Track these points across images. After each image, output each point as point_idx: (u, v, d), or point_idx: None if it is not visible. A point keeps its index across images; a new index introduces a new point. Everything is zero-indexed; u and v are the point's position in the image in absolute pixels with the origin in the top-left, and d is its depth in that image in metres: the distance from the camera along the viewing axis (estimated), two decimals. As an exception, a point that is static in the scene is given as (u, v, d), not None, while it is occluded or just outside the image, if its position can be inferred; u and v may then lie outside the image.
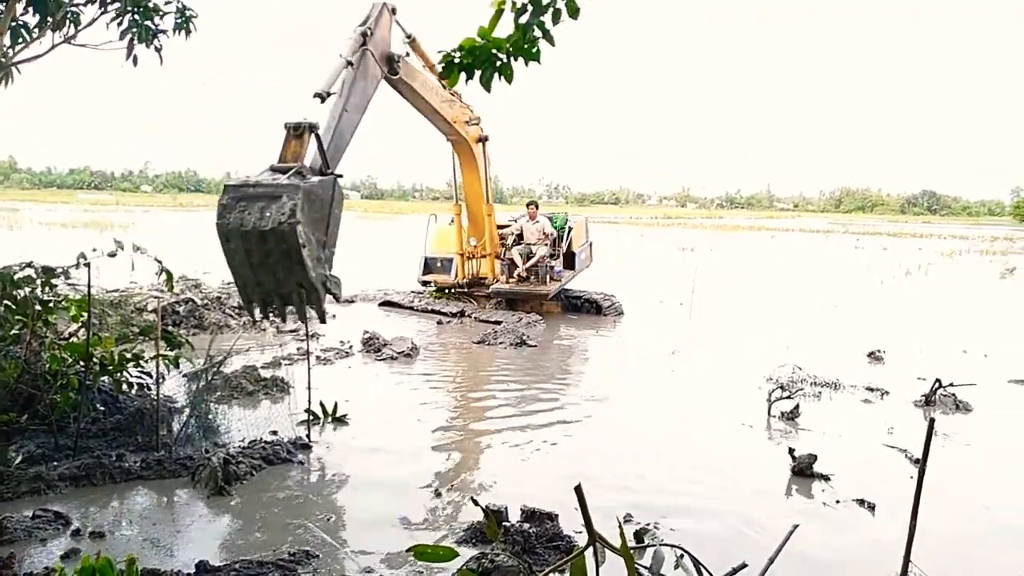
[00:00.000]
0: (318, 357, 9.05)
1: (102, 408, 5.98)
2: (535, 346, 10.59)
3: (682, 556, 2.89)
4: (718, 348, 10.88)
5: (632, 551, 2.40)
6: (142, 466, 5.24)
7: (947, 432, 7.01)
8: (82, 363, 5.54)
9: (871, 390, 8.43)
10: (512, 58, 3.43)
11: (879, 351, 10.38)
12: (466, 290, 13.78)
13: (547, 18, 3.32)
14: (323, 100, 6.48)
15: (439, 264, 13.93)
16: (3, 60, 6.33)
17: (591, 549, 2.35)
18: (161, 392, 5.77)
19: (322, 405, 6.67)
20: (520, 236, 13.73)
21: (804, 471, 5.70)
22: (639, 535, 4.52)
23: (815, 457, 5.74)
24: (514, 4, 3.31)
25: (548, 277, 13.21)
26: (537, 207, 14.11)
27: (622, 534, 2.41)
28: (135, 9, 6.65)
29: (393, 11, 8.22)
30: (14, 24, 6.37)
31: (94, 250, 5.37)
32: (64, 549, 4.11)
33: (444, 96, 10.70)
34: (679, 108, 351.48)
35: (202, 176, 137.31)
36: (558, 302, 13.72)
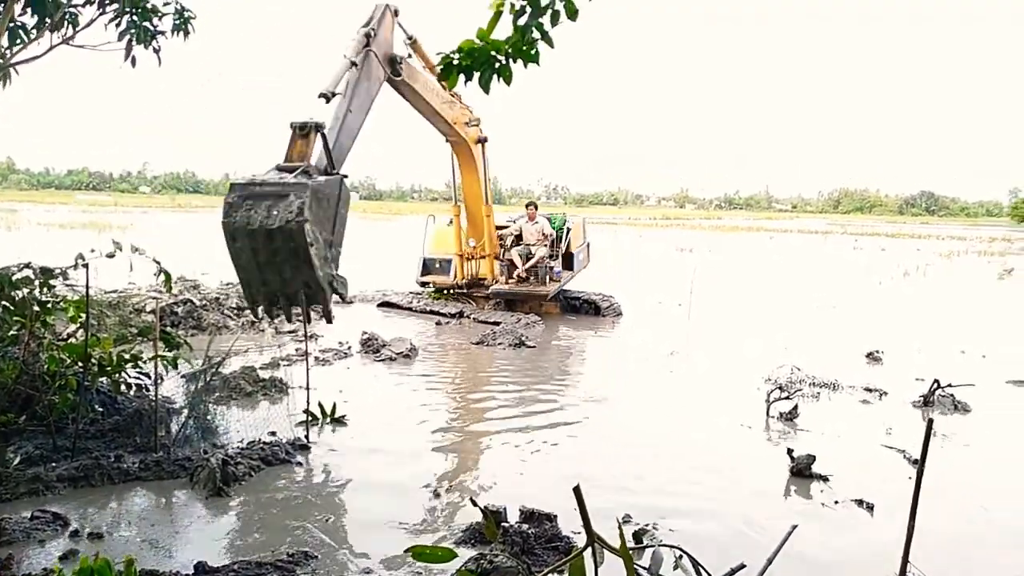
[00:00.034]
0: (317, 358, 9.05)
1: (100, 409, 5.97)
2: (534, 347, 10.59)
3: (681, 557, 2.89)
4: (717, 349, 10.89)
5: (631, 552, 2.40)
6: (140, 467, 5.24)
7: (945, 433, 7.02)
8: (80, 364, 5.53)
9: (869, 391, 8.43)
10: (511, 60, 3.43)
11: (877, 352, 10.39)
12: (465, 291, 13.78)
13: (546, 20, 3.33)
14: (328, 100, 6.49)
15: (438, 265, 13.93)
16: (1, 61, 6.33)
17: (590, 550, 2.35)
18: (159, 393, 5.77)
19: (321, 406, 6.67)
20: (519, 237, 13.73)
21: (803, 472, 5.70)
22: (638, 536, 4.52)
23: (814, 458, 5.74)
24: (512, 6, 3.31)
25: (547, 278, 13.21)
26: (536, 208, 14.11)
27: (621, 535, 2.41)
28: (133, 10, 6.65)
29: (395, 13, 8.24)
30: (12, 25, 6.36)
31: (92, 251, 5.36)
32: (62, 550, 4.11)
33: (445, 97, 10.71)
34: (678, 109, 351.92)
35: (200, 177, 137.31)
36: (557, 303, 13.73)
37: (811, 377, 8.61)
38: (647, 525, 4.67)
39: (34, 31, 6.52)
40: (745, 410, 7.47)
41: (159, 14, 6.81)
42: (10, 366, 5.46)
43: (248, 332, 10.79)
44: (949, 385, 7.95)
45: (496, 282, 13.47)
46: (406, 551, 2.27)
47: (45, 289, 5.57)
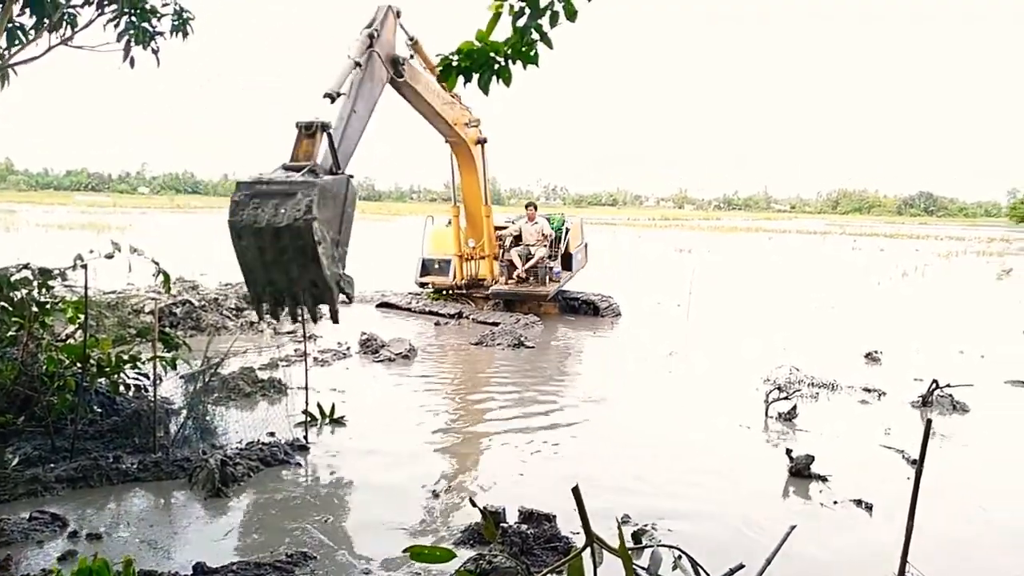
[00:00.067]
0: (316, 359, 9.05)
1: (99, 410, 5.96)
2: (533, 347, 10.59)
3: (680, 557, 2.89)
4: (715, 349, 10.89)
5: (630, 552, 2.40)
6: (139, 468, 5.23)
7: (944, 433, 7.03)
8: (79, 365, 5.53)
9: (868, 391, 8.44)
10: (510, 61, 3.43)
11: (876, 352, 10.40)
12: (464, 292, 13.79)
13: (545, 21, 3.32)
14: (333, 100, 6.50)
15: (437, 266, 13.93)
16: (0, 62, 6.33)
17: (589, 550, 2.35)
18: (158, 394, 5.77)
19: (320, 407, 6.66)
20: (518, 238, 13.74)
21: (801, 472, 5.70)
22: (637, 536, 4.52)
23: (812, 458, 5.74)
24: (511, 7, 3.31)
25: (547, 278, 13.22)
26: (536, 208, 14.12)
27: (620, 535, 2.41)
28: (132, 11, 6.65)
29: (398, 14, 8.25)
30: (10, 26, 6.36)
31: (91, 252, 5.36)
32: (61, 551, 4.10)
33: (445, 99, 10.73)
34: (677, 109, 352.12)
35: (199, 178, 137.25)
36: (555, 303, 13.73)
37: (810, 377, 8.61)
38: (646, 525, 4.67)
39: (32, 32, 6.52)
40: (744, 410, 7.48)
41: (158, 15, 6.82)
42: (9, 367, 5.46)
43: (247, 333, 10.78)
44: (948, 385, 7.96)
45: (496, 282, 13.47)
46: (404, 551, 2.27)
47: (44, 290, 5.57)
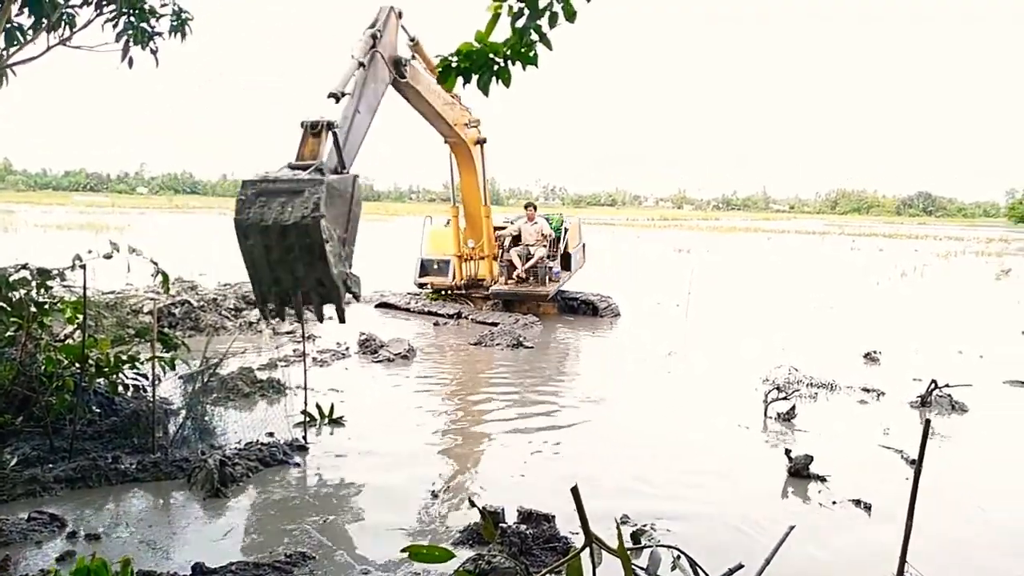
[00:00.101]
0: (314, 359, 9.04)
1: (98, 410, 5.96)
2: (532, 347, 10.59)
3: (679, 557, 2.89)
4: (714, 349, 10.90)
5: (629, 552, 2.40)
6: (138, 468, 5.23)
7: (943, 433, 7.03)
8: (78, 365, 5.53)
9: (867, 391, 8.44)
10: (509, 62, 3.43)
11: (875, 352, 10.41)
12: (464, 292, 13.78)
13: (544, 22, 3.32)
14: (338, 100, 6.50)
15: (436, 266, 13.93)
16: (-2, 62, 6.32)
17: (588, 550, 2.35)
18: (157, 394, 5.76)
19: (318, 407, 6.66)
20: (516, 238, 13.74)
21: (800, 472, 5.71)
22: (636, 536, 4.52)
23: (811, 458, 5.75)
24: (510, 8, 3.30)
25: (547, 278, 13.22)
26: (535, 208, 14.12)
27: (619, 535, 2.41)
28: (131, 11, 6.65)
29: (399, 15, 8.26)
30: (9, 26, 6.36)
31: (90, 252, 5.36)
32: (60, 551, 4.10)
33: (446, 99, 10.74)
34: (677, 109, 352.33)
35: (198, 178, 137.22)
36: (554, 303, 13.73)
37: (809, 377, 8.62)
38: (645, 525, 4.68)
39: (31, 32, 6.52)
40: (743, 410, 7.48)
41: (156, 15, 6.82)
42: (7, 367, 5.45)
43: (246, 333, 10.77)
44: (946, 385, 7.96)
45: (495, 283, 13.47)
46: (403, 551, 2.27)
47: (42, 290, 5.57)
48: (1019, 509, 5.37)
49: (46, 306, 5.57)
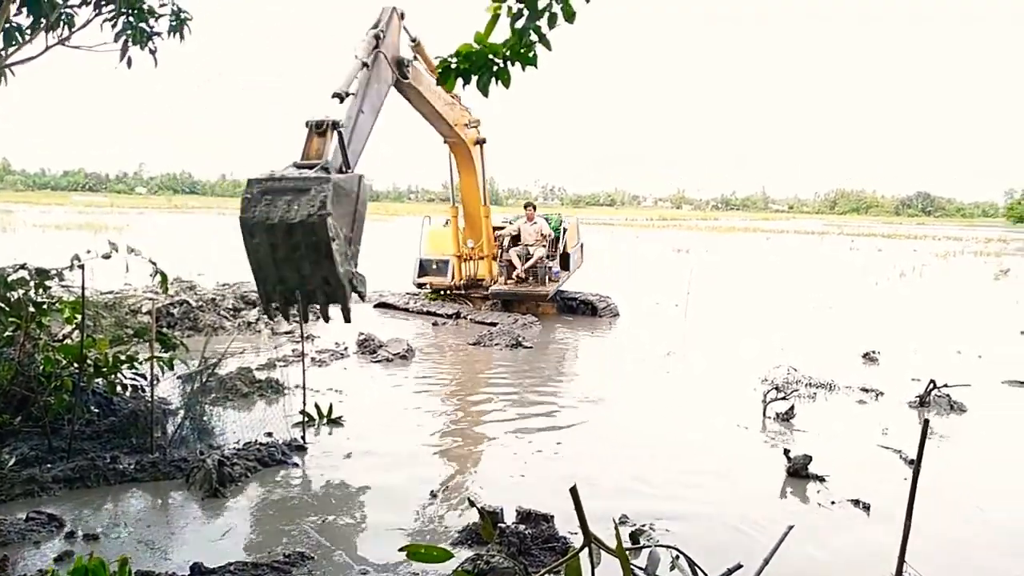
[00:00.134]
0: (313, 359, 9.04)
1: (96, 410, 5.96)
2: (531, 347, 10.59)
3: (677, 557, 2.89)
4: (713, 349, 10.90)
5: (627, 552, 2.40)
6: (136, 468, 5.22)
7: (942, 433, 7.04)
8: (76, 365, 5.52)
9: (866, 391, 8.45)
10: (509, 63, 3.43)
11: (874, 352, 10.41)
12: (463, 292, 13.78)
13: (543, 22, 3.32)
14: (342, 100, 6.51)
15: (434, 266, 13.92)
16: (-3, 61, 6.32)
17: (587, 550, 2.35)
18: (155, 394, 5.75)
19: (317, 407, 6.66)
20: (516, 237, 13.74)
21: (799, 472, 5.71)
22: (634, 536, 4.52)
23: (810, 458, 5.75)
24: (510, 9, 3.30)
25: (547, 278, 13.23)
26: (535, 208, 14.12)
27: (618, 535, 2.41)
28: (129, 11, 6.64)
29: (401, 16, 8.26)
30: (7, 26, 6.35)
31: (88, 252, 5.36)
32: (58, 551, 4.10)
33: (447, 99, 10.75)
34: (676, 110, 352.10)
35: (197, 178, 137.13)
36: (553, 304, 13.73)
37: (807, 377, 8.62)
38: (644, 525, 4.68)
39: (29, 32, 6.51)
40: (741, 410, 7.48)
41: (155, 15, 6.81)
42: (6, 367, 5.45)
43: (244, 333, 10.77)
44: (945, 385, 7.97)
45: (495, 282, 13.47)
46: (401, 550, 2.26)
47: (41, 290, 5.56)
48: (1018, 509, 5.38)
49: (44, 306, 5.57)
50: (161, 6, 6.85)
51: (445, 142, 12.23)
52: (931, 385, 7.95)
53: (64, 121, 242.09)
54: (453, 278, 13.64)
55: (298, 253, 5.14)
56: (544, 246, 13.42)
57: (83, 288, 5.43)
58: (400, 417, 7.04)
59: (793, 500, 5.40)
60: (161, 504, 4.88)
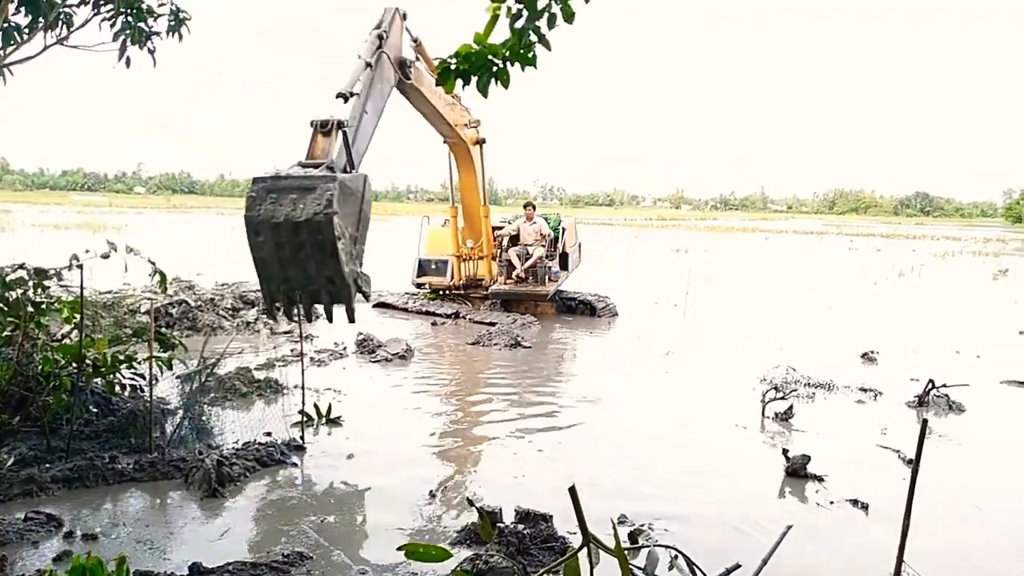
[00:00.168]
0: (312, 359, 9.03)
1: (95, 410, 5.95)
2: (530, 347, 10.59)
3: (676, 557, 2.89)
4: (712, 349, 10.90)
5: (626, 552, 2.40)
6: (135, 468, 5.22)
7: (940, 433, 7.04)
8: (75, 365, 5.52)
9: (864, 391, 8.45)
10: (508, 63, 3.43)
11: (872, 352, 10.42)
12: (462, 292, 13.78)
13: (542, 23, 3.32)
14: (346, 100, 6.50)
15: (433, 266, 13.91)
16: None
17: (585, 550, 2.35)
18: (154, 394, 5.75)
19: (316, 407, 6.66)
20: (514, 237, 13.74)
21: (798, 472, 5.71)
22: (633, 536, 4.52)
23: (809, 458, 5.75)
24: (509, 9, 3.30)
25: (547, 278, 13.23)
26: (534, 208, 14.12)
27: (616, 535, 2.41)
28: (128, 11, 6.63)
29: (404, 16, 8.27)
30: (6, 25, 6.34)
31: (87, 251, 5.35)
32: (56, 551, 4.09)
33: (447, 100, 10.74)
34: (676, 110, 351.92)
35: (196, 178, 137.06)
36: (552, 303, 13.73)
37: (806, 377, 8.63)
38: (642, 525, 4.68)
39: (27, 31, 6.50)
40: (740, 410, 7.48)
41: (154, 15, 6.80)
42: (4, 367, 5.44)
43: (243, 333, 10.77)
44: (944, 385, 7.98)
45: (495, 282, 13.48)
46: (399, 549, 2.26)
47: (39, 290, 5.56)
48: (1016, 509, 5.38)
49: (43, 306, 5.56)
50: (160, 5, 6.84)
51: (445, 142, 12.23)
52: (930, 385, 7.96)
53: (63, 121, 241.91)
54: (452, 278, 13.64)
55: (303, 252, 5.13)
56: (543, 246, 13.42)
57: (82, 288, 5.43)
58: (399, 417, 7.04)
59: (792, 500, 5.40)
60: (160, 504, 4.88)
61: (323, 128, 5.89)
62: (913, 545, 3.24)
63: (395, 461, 5.83)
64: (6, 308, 5.45)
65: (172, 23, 6.92)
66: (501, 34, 3.37)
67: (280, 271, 5.24)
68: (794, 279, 22.47)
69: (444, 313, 13.05)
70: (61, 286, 6.27)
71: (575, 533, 4.28)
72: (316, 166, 5.46)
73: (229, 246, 25.99)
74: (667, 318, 13.80)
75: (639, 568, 2.90)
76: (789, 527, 3.43)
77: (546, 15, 3.30)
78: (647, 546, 3.91)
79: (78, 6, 6.71)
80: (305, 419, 6.35)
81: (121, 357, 5.75)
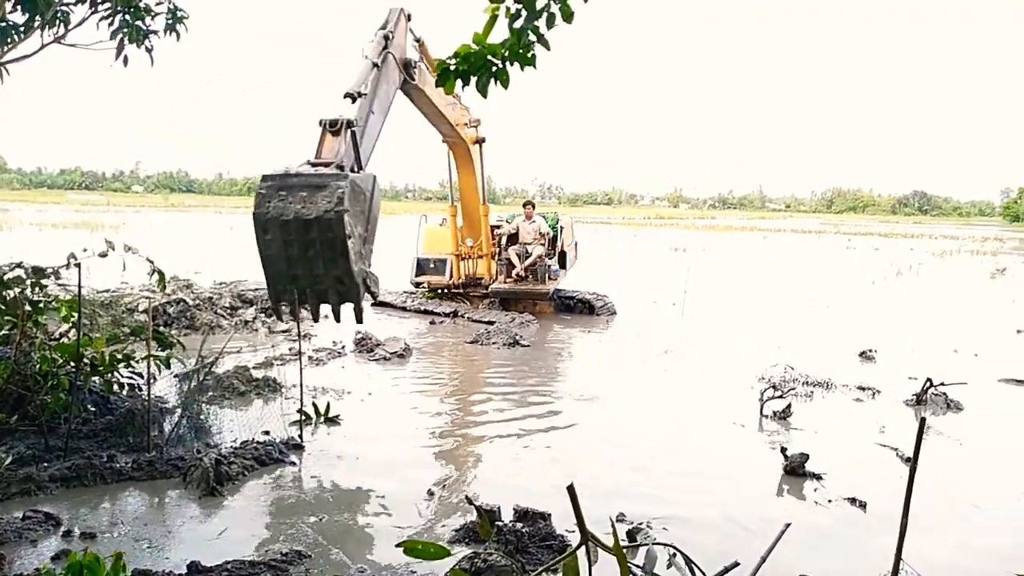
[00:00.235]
0: (310, 357, 9.03)
1: (93, 409, 5.95)
2: (528, 346, 10.59)
3: (675, 555, 2.89)
4: (711, 348, 10.91)
5: (625, 550, 2.40)
6: (133, 467, 5.22)
7: (938, 431, 7.05)
8: (73, 364, 5.51)
9: (863, 389, 8.46)
10: (508, 63, 3.42)
11: (871, 351, 10.43)
12: (462, 291, 13.78)
13: (541, 23, 3.32)
14: (354, 100, 6.50)
15: (432, 265, 13.91)
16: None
17: (584, 548, 2.35)
18: (152, 393, 5.75)
19: (315, 405, 6.65)
20: (513, 236, 13.74)
21: (796, 470, 5.72)
22: (632, 534, 4.52)
23: (807, 456, 5.76)
24: (508, 9, 3.30)
25: (546, 276, 13.24)
26: (534, 207, 14.12)
27: (615, 533, 2.41)
28: (126, 9, 6.62)
29: (408, 17, 8.27)
30: (2, 24, 6.33)
31: (85, 250, 5.34)
32: (55, 550, 4.09)
33: (448, 100, 10.74)
34: (675, 110, 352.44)
35: (193, 177, 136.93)
36: (551, 302, 13.73)
37: (804, 376, 8.64)
38: (641, 523, 4.68)
39: (24, 30, 6.48)
40: (739, 409, 7.49)
41: (152, 13, 6.78)
42: (2, 366, 5.44)
43: (241, 331, 10.76)
44: (942, 384, 7.99)
45: (494, 281, 13.48)
46: (397, 546, 2.26)
47: (37, 289, 5.55)
48: (1014, 507, 5.39)
49: (41, 305, 5.55)
50: (157, 4, 6.82)
51: (444, 141, 12.22)
52: (928, 383, 7.97)
53: (61, 120, 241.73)
54: (451, 277, 13.64)
55: (312, 251, 5.10)
56: (543, 245, 13.43)
57: (80, 287, 5.42)
58: (397, 416, 7.04)
59: (790, 498, 5.41)
60: (158, 503, 4.87)
61: (332, 128, 5.89)
62: (911, 543, 3.25)
63: (394, 460, 5.82)
64: (4, 307, 5.44)
65: (169, 21, 6.90)
66: (500, 34, 3.37)
67: (288, 270, 5.22)
68: (792, 278, 22.49)
69: (442, 312, 13.05)
70: (59, 285, 6.27)
71: (573, 531, 4.29)
72: (326, 165, 5.46)
73: (227, 245, 25.98)
74: (665, 317, 13.81)
75: (638, 566, 2.90)
76: (787, 525, 3.43)
77: (545, 15, 3.30)
78: (646, 544, 3.91)
79: (75, 4, 6.69)
80: (304, 418, 6.36)
81: (119, 356, 5.75)
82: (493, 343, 10.55)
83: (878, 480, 5.67)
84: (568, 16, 3.31)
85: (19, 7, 6.34)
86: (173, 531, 4.46)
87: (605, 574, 2.51)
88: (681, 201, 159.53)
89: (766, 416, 7.31)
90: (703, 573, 2.82)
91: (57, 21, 6.68)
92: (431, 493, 5.17)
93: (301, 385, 6.38)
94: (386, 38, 7.51)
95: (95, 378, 5.83)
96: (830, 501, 5.28)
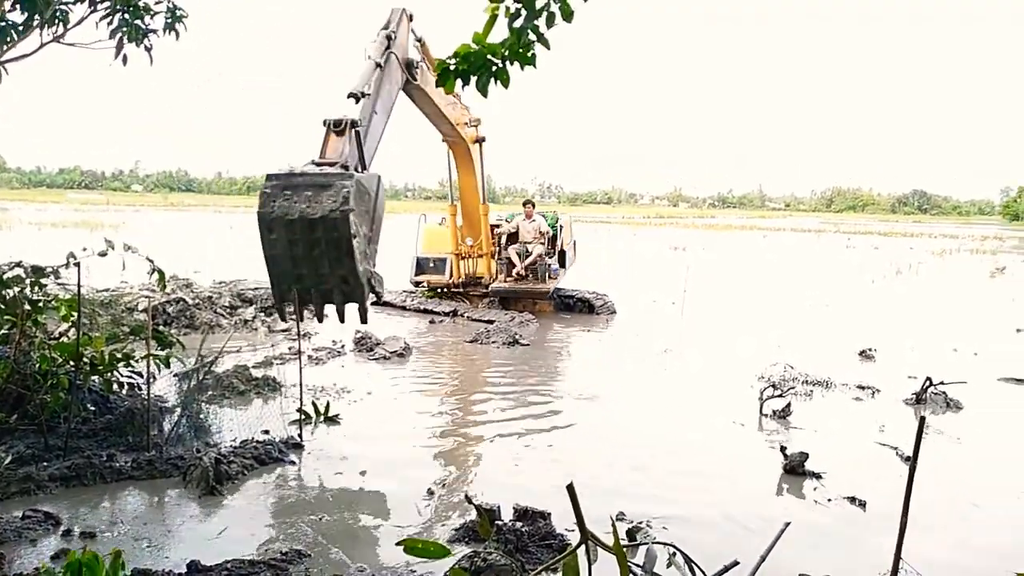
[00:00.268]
0: (310, 357, 9.03)
1: (92, 408, 5.95)
2: (528, 345, 10.59)
3: (674, 554, 2.89)
4: (710, 347, 10.91)
5: (625, 549, 2.40)
6: (133, 466, 5.22)
7: (938, 430, 7.05)
8: (72, 363, 5.51)
9: (862, 388, 8.47)
10: (508, 63, 3.42)
11: (870, 350, 10.43)
12: (462, 290, 13.78)
13: (541, 22, 3.31)
14: (358, 100, 6.50)
15: (431, 264, 13.90)
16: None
17: (584, 547, 2.35)
18: (152, 392, 5.75)
19: (314, 404, 6.65)
20: (512, 235, 13.74)
21: (796, 469, 5.72)
22: (632, 533, 4.52)
23: (807, 455, 5.76)
24: (507, 9, 3.30)
25: (547, 275, 13.24)
26: (534, 206, 14.12)
27: (615, 532, 2.41)
28: (125, 8, 6.61)
29: (410, 18, 8.27)
30: (2, 23, 6.32)
31: (84, 250, 5.34)
32: (54, 549, 4.09)
33: (448, 99, 10.74)
34: (675, 109, 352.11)
35: (193, 176, 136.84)
36: (551, 301, 13.74)
37: (804, 375, 8.64)
38: (641, 522, 4.68)
39: (23, 29, 6.47)
40: (738, 408, 7.49)
41: (151, 12, 6.78)
42: (2, 365, 5.44)
43: (241, 331, 10.76)
44: (941, 383, 7.99)
45: (495, 280, 13.48)
46: (397, 544, 2.26)
47: (36, 288, 5.55)
48: (1014, 505, 5.40)
49: (40, 304, 5.55)
50: (156, 3, 6.81)
51: (443, 140, 12.22)
52: (927, 382, 7.98)
53: (60, 119, 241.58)
54: (451, 276, 13.63)
55: (317, 250, 5.09)
56: (542, 243, 13.43)
57: (79, 286, 5.42)
58: (397, 415, 7.04)
59: (790, 497, 5.41)
60: (158, 502, 4.88)
61: (336, 128, 5.88)
62: (911, 542, 3.25)
63: (393, 459, 5.82)
64: (3, 306, 5.44)
65: (169, 20, 6.90)
66: (500, 34, 3.36)
67: (292, 269, 5.20)
68: (792, 277, 22.49)
69: (442, 311, 13.05)
70: (58, 284, 6.27)
71: (573, 530, 4.29)
72: (331, 165, 5.45)
73: (227, 244, 25.98)
74: (665, 316, 13.81)
75: (638, 565, 2.90)
76: (787, 524, 3.43)
77: (545, 14, 3.30)
78: (645, 543, 3.91)
79: (74, 3, 6.68)
80: (303, 417, 6.36)
81: (119, 355, 5.75)
82: (493, 342, 10.55)
83: (878, 479, 5.67)
84: (568, 15, 3.31)
85: (18, 6, 6.33)
86: (173, 530, 4.46)
87: (605, 573, 2.51)
88: (681, 200, 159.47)
89: (766, 415, 7.31)
90: (703, 572, 2.83)
91: (56, 20, 6.67)
92: (431, 492, 5.17)
93: (301, 384, 6.38)
94: (388, 38, 7.51)
95: (95, 377, 5.83)
96: (830, 500, 5.28)
